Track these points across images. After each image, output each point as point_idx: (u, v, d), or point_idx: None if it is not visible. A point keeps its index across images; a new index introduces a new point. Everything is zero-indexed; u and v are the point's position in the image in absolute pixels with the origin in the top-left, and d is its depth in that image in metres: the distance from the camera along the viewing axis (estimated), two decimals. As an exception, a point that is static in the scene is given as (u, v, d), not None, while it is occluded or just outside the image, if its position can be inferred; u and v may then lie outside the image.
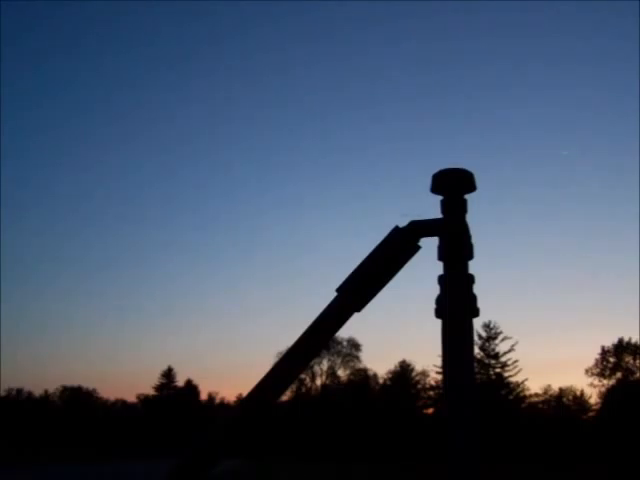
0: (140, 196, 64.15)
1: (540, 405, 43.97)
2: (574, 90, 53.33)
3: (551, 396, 44.77)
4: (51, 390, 56.10)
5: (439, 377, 37.16)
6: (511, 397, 40.77)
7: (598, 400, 42.76)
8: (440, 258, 0.97)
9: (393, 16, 55.50)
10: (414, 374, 45.22)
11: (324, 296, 0.99)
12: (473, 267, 0.97)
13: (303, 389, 45.53)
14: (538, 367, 61.38)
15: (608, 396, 40.78)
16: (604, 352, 42.44)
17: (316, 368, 45.47)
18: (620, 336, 42.33)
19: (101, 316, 66.33)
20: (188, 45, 62.49)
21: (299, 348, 0.97)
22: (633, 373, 41.34)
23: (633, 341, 41.44)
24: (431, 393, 42.90)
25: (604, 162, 54.74)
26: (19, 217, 62.94)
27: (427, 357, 50.41)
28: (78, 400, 53.48)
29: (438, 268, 0.97)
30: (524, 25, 54.37)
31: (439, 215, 0.99)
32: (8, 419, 46.93)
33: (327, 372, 46.41)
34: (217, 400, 54.90)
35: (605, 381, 42.25)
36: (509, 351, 40.41)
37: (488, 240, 39.85)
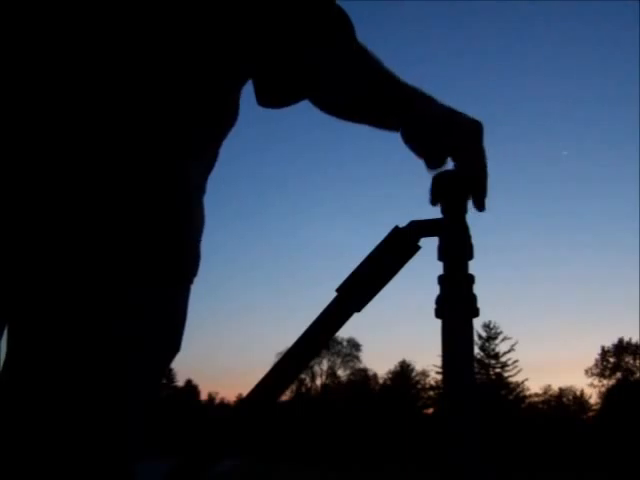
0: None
1: (540, 405, 44.00)
2: (574, 90, 53.41)
3: (551, 396, 44.81)
4: (51, 390, 56.03)
5: (439, 377, 37.16)
6: (511, 397, 40.80)
7: (598, 400, 42.86)
8: (440, 258, 0.97)
9: (393, 15, 55.66)
10: (414, 374, 45.25)
11: (324, 296, 0.99)
12: (473, 267, 0.97)
13: (303, 389, 45.52)
14: (538, 367, 61.49)
15: (608, 396, 40.83)
16: (604, 352, 42.53)
17: (316, 368, 45.48)
18: (620, 336, 42.46)
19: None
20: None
21: (299, 348, 0.97)
22: (633, 373, 41.40)
23: (633, 341, 41.53)
24: (431, 393, 42.93)
25: (604, 162, 54.80)
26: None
27: (427, 357, 50.46)
28: (78, 400, 53.38)
29: (438, 268, 0.97)
30: (525, 25, 54.43)
31: (439, 215, 0.99)
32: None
33: (327, 372, 46.42)
34: (217, 400, 54.87)
35: (605, 381, 42.35)
36: (509, 351, 40.50)
37: (488, 240, 39.92)
